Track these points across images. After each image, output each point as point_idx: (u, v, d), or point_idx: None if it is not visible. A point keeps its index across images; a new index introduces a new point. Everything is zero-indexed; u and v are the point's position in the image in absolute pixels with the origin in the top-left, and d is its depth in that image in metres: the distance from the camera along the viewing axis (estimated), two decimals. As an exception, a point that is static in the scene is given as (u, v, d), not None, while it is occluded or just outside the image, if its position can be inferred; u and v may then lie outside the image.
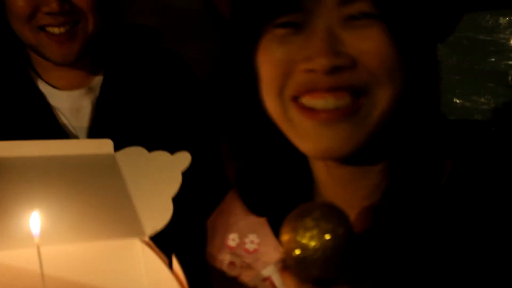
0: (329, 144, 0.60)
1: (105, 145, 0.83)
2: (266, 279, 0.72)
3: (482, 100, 3.21)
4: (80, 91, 1.17)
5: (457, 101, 3.41)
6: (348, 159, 0.63)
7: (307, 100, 0.61)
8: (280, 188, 0.71)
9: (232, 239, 0.77)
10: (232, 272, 0.77)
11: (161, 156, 0.81)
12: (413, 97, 0.62)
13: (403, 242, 0.63)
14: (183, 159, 0.80)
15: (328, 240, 0.53)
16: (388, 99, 0.60)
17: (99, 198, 0.79)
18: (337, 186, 0.69)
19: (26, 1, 1.07)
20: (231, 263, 0.77)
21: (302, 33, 0.60)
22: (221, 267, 0.78)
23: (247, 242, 0.75)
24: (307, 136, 0.62)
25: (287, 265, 0.56)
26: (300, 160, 0.70)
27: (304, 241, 0.53)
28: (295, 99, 0.62)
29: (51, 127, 1.14)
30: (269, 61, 0.62)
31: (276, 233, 0.68)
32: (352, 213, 0.65)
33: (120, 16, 1.31)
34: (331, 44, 0.58)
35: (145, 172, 0.81)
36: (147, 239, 0.72)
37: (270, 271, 0.72)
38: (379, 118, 0.61)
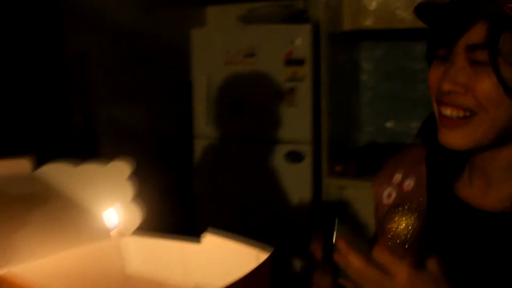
0: (448, 140, 0.89)
1: (22, 165, 0.83)
2: None
3: (413, 125, 3.31)
4: None
5: (388, 125, 3.51)
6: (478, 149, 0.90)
7: (441, 108, 0.90)
8: (448, 158, 1.00)
9: (397, 176, 1.04)
10: (386, 201, 1.05)
11: (92, 168, 0.85)
12: None
13: None
14: (120, 168, 0.87)
15: (412, 226, 0.81)
16: (491, 120, 0.85)
17: (62, 212, 0.82)
18: (478, 162, 0.94)
19: None
20: (389, 194, 1.05)
21: (446, 63, 0.88)
22: (381, 194, 1.07)
23: (405, 183, 1.00)
24: (439, 132, 0.91)
25: (385, 239, 0.82)
26: None
27: (401, 225, 0.81)
28: (438, 105, 0.90)
29: None
30: (430, 78, 0.92)
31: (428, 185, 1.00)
32: (486, 189, 0.93)
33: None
34: (453, 75, 0.86)
35: (83, 184, 0.84)
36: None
37: None
38: (487, 130, 0.86)
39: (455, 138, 0.88)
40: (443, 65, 0.88)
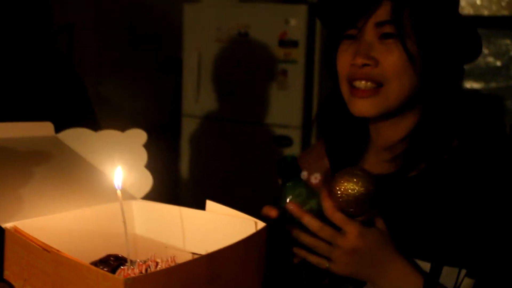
0: (362, 109, 1.00)
1: (45, 128, 0.88)
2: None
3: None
4: None
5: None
6: (383, 116, 1.02)
7: (355, 83, 1.00)
8: (348, 142, 1.13)
9: (303, 174, 1.07)
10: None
11: (112, 134, 0.89)
12: (429, 87, 1.00)
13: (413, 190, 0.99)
14: (138, 135, 0.95)
15: (362, 188, 0.87)
16: (397, 90, 0.97)
17: (76, 173, 0.89)
18: (379, 134, 1.07)
19: None
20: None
21: (356, 43, 1.00)
22: None
23: (312, 178, 1.03)
24: (352, 103, 1.01)
25: (334, 200, 0.88)
26: (362, 124, 1.11)
27: (350, 186, 0.87)
28: (350, 82, 1.00)
29: None
30: (340, 59, 1.03)
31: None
32: (385, 158, 1.04)
33: None
34: (366, 50, 0.97)
35: (101, 149, 0.88)
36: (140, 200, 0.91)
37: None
38: (394, 100, 0.98)
39: (367, 107, 0.99)
40: (353, 44, 1.00)
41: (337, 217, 0.88)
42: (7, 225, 0.75)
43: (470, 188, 0.94)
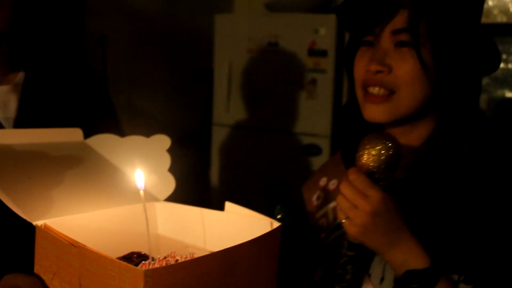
0: (373, 114, 1.02)
1: (74, 134, 0.93)
2: (334, 207, 1.14)
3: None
4: (7, 87, 1.26)
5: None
6: (396, 123, 1.03)
7: (368, 89, 1.01)
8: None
9: (323, 180, 1.17)
10: (316, 203, 1.18)
11: (137, 139, 0.94)
12: (443, 97, 1.00)
13: (429, 189, 0.99)
14: (162, 140, 0.99)
15: (387, 152, 0.90)
16: (409, 99, 0.99)
17: (103, 176, 0.94)
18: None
19: None
20: (318, 196, 1.19)
21: (372, 49, 1.01)
22: (311, 198, 1.20)
23: (330, 184, 1.09)
24: (364, 108, 1.03)
25: (360, 168, 0.91)
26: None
27: (373, 152, 0.90)
28: (365, 87, 1.02)
29: None
30: (357, 65, 1.05)
31: None
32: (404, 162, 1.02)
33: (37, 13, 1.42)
34: (381, 57, 0.99)
35: (127, 153, 0.93)
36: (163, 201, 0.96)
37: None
38: (405, 108, 0.99)
39: (379, 113, 1.01)
40: (369, 51, 1.02)
41: (361, 180, 0.90)
42: (38, 222, 0.79)
43: (474, 195, 0.95)
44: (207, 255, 0.71)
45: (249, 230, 0.81)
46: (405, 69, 0.97)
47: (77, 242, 0.72)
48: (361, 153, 0.91)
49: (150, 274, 0.64)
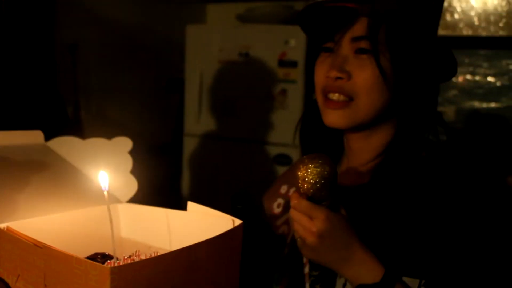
0: (333, 120, 1.02)
1: (35, 136, 0.93)
2: None
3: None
4: None
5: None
6: (356, 129, 1.05)
7: (329, 95, 1.02)
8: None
9: (283, 188, 1.18)
10: (276, 210, 1.19)
11: (98, 141, 0.94)
12: (402, 104, 1.02)
13: (384, 197, 1.00)
14: (124, 142, 1.01)
15: (322, 173, 0.90)
16: (367, 105, 1.00)
17: (65, 178, 0.94)
18: (353, 148, 1.09)
19: None
20: (278, 204, 1.19)
21: (332, 56, 1.02)
22: (272, 207, 1.20)
23: (291, 191, 1.08)
24: (324, 114, 1.03)
25: (299, 190, 0.92)
26: (337, 138, 1.14)
27: (311, 172, 0.91)
28: (325, 94, 1.02)
29: None
30: (317, 71, 1.05)
31: None
32: (358, 171, 1.08)
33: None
34: (340, 64, 1.00)
35: (88, 155, 0.93)
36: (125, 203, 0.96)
37: None
38: (363, 114, 1.01)
39: (338, 118, 1.02)
40: (330, 57, 1.02)
41: (303, 204, 0.91)
42: (0, 225, 0.79)
43: (432, 199, 0.96)
44: (171, 252, 0.72)
45: (212, 229, 0.83)
46: (364, 76, 0.99)
47: (41, 243, 0.73)
48: (299, 173, 0.92)
49: (116, 271, 0.65)
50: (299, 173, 0.92)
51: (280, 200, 1.19)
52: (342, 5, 0.99)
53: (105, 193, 0.79)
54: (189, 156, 3.37)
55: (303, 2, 3.44)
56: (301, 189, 0.92)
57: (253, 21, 3.29)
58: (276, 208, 1.19)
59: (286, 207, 1.16)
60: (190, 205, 0.91)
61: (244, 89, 3.19)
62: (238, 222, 0.84)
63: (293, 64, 3.07)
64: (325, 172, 0.90)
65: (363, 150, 1.08)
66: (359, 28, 0.99)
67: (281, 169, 3.09)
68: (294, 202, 0.92)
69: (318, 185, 0.90)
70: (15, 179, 0.88)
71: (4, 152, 0.90)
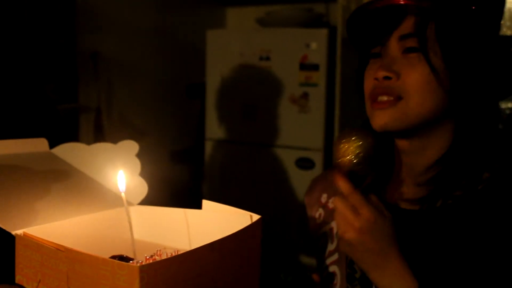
0: (381, 121, 0.95)
1: (40, 144, 0.96)
2: (331, 228, 1.08)
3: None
4: None
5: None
6: (406, 135, 0.98)
7: (378, 98, 0.95)
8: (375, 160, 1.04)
9: (324, 197, 1.13)
10: (318, 220, 1.13)
11: (104, 146, 0.94)
12: (459, 106, 0.94)
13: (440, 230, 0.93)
14: (130, 146, 1.00)
15: (362, 147, 0.92)
16: (418, 106, 0.92)
17: (74, 184, 0.93)
18: (405, 158, 1.02)
19: None
20: (320, 214, 1.13)
21: (381, 60, 0.97)
22: (315, 215, 1.15)
23: (330, 201, 1.04)
24: (372, 117, 0.97)
25: (339, 168, 0.92)
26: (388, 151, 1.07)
27: (351, 147, 0.92)
28: (373, 99, 0.96)
29: None
30: (366, 78, 1.00)
31: None
32: (410, 188, 1.01)
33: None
34: (388, 64, 0.94)
35: (95, 160, 0.92)
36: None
37: (334, 224, 1.05)
38: (414, 116, 0.93)
39: (386, 118, 0.94)
40: (378, 62, 0.97)
41: (354, 198, 0.89)
42: (17, 231, 0.78)
43: (490, 233, 0.89)
44: (196, 248, 0.71)
45: (231, 225, 0.82)
46: (414, 75, 0.92)
47: (63, 246, 0.72)
48: (342, 150, 0.92)
49: (145, 270, 0.64)
50: (340, 146, 0.92)
51: (321, 211, 1.13)
52: (387, 4, 0.94)
53: (123, 194, 0.78)
54: (210, 161, 3.36)
55: (323, 5, 3.43)
56: (341, 164, 0.91)
57: (273, 25, 3.27)
58: (318, 218, 1.15)
59: (325, 218, 1.11)
60: (205, 203, 0.90)
61: (265, 93, 3.18)
62: (256, 217, 0.84)
63: (314, 67, 3.05)
64: (367, 145, 0.90)
65: (416, 163, 1.00)
66: (406, 26, 0.94)
67: (303, 173, 3.07)
68: (347, 192, 0.90)
69: (360, 159, 0.91)
70: (23, 186, 0.88)
71: (8, 160, 0.90)
